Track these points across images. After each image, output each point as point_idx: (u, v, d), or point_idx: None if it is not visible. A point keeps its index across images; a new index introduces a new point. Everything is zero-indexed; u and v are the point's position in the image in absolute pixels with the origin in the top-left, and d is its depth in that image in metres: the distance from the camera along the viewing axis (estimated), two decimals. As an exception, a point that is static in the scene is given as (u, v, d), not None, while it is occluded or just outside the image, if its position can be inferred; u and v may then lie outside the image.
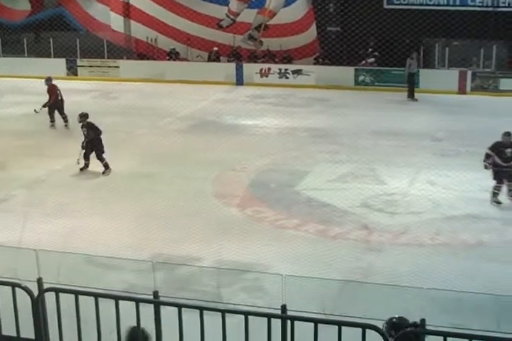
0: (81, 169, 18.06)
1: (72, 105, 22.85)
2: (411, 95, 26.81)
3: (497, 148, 15.57)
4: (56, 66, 31.97)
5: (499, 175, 15.57)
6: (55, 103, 22.72)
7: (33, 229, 13.32)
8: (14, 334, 7.42)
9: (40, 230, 13.29)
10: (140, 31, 33.47)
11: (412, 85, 26.87)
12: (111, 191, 16.54)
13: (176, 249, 12.55)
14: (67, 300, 7.02)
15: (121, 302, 6.91)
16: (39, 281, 7.16)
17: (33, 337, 7.30)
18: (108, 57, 32.27)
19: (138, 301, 6.86)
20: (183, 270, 11.72)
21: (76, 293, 6.96)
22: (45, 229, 13.23)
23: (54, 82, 23.22)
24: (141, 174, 17.80)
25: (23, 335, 7.39)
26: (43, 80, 23.29)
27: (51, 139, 21.57)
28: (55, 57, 32.68)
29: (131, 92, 29.08)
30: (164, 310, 6.94)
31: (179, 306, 6.71)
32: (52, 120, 22.88)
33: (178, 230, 13.52)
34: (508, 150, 15.47)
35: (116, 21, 33.75)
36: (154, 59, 32.96)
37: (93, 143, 18.05)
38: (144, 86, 30.15)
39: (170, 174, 17.84)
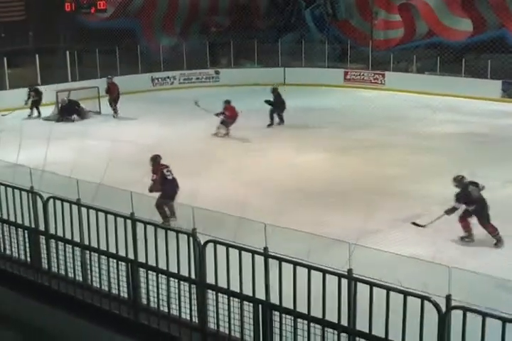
0: None
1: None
2: None
3: None
4: (491, 87, 31.93)
5: None
6: None
7: (445, 246, 13.42)
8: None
9: (453, 248, 13.35)
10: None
11: None
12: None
13: None
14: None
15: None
16: (448, 298, 7.21)
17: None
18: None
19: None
20: None
21: (483, 315, 6.95)
22: (457, 247, 13.24)
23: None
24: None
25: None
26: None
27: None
28: (491, 78, 32.58)
29: None
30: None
31: None
32: None
33: None
34: None
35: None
36: None
37: None
38: None
39: None
